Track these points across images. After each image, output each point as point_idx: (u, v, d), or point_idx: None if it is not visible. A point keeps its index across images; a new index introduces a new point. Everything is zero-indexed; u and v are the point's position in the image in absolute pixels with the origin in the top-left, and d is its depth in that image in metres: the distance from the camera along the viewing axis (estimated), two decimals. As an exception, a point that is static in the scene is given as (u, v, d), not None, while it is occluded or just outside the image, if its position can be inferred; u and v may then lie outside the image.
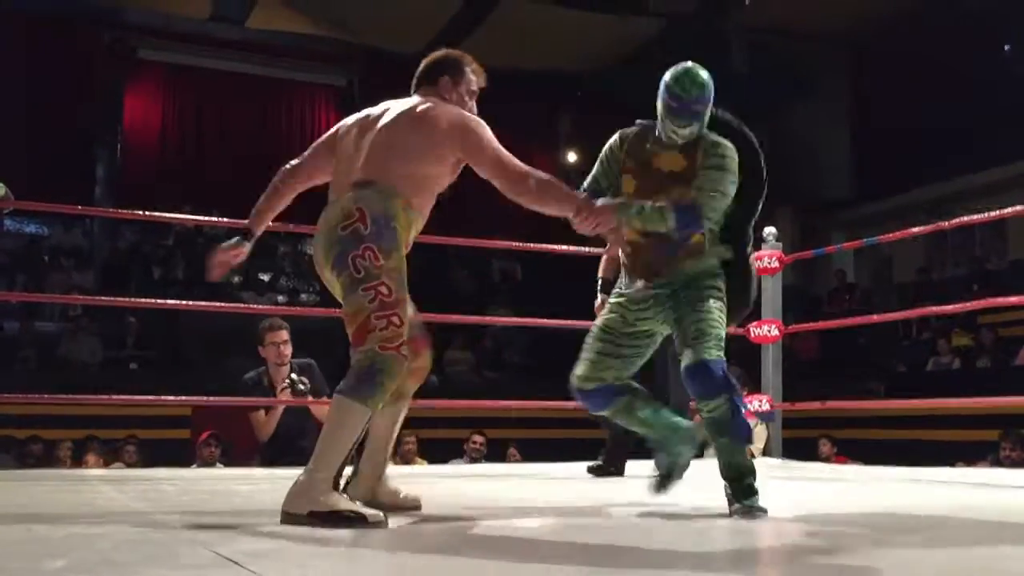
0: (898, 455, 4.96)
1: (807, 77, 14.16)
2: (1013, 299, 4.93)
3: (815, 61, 14.09)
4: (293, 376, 4.51)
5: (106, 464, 6.70)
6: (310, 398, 4.51)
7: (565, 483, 4.03)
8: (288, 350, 4.72)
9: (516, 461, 7.44)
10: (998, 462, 6.31)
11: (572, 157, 16.38)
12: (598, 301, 4.42)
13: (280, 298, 12.91)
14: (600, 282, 4.50)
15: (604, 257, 4.53)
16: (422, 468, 5.86)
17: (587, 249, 4.68)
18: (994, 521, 2.50)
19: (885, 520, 2.55)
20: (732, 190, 2.68)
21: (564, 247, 5.67)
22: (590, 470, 4.23)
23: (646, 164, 2.78)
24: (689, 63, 2.78)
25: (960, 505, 2.86)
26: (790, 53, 13.61)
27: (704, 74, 2.72)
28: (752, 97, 13.82)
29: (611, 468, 4.22)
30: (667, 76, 2.75)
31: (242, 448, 7.56)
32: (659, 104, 2.75)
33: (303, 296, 13.38)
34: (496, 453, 7.45)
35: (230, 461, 6.38)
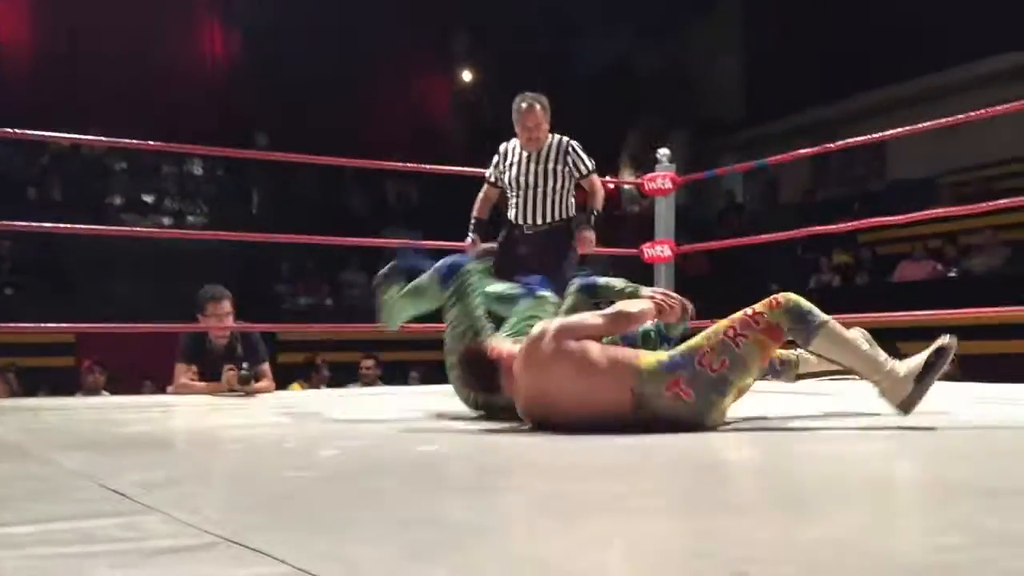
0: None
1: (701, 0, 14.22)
2: (891, 219, 5.14)
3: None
4: (245, 368, 4.27)
5: (-16, 394, 6.43)
6: (253, 384, 4.31)
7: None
8: (230, 321, 4.49)
9: (417, 383, 7.48)
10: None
11: (467, 76, 16.13)
12: (469, 240, 4.42)
13: (165, 220, 12.47)
14: (474, 222, 4.50)
15: (481, 196, 4.52)
16: (318, 392, 5.81)
17: (483, 170, 4.64)
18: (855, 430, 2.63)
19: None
20: None
21: (460, 168, 5.61)
22: None
23: None
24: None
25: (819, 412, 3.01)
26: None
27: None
28: (648, 18, 13.84)
29: None
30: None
31: (129, 376, 7.37)
32: None
33: (190, 218, 12.95)
34: (397, 377, 7.44)
35: (116, 389, 6.20)
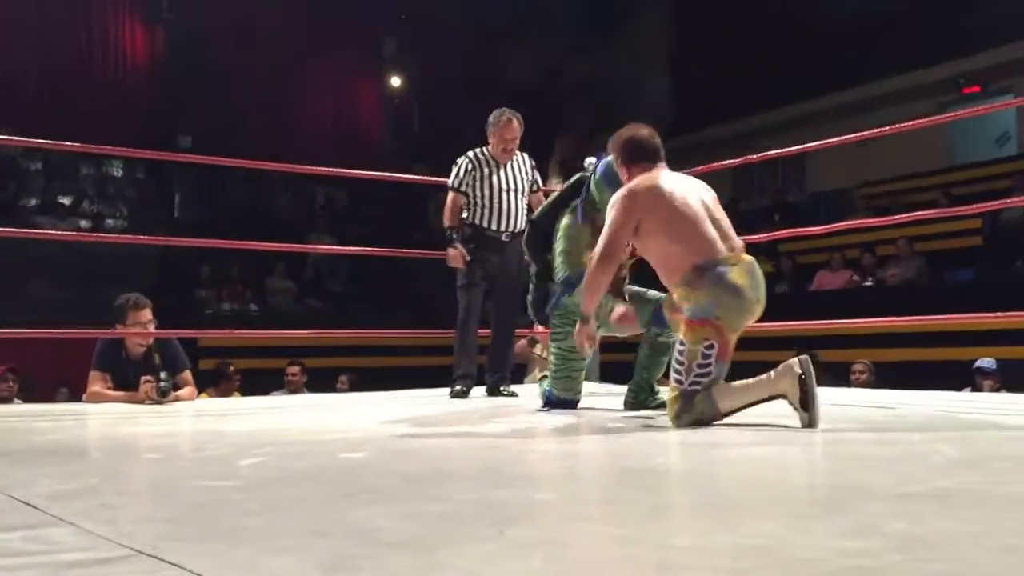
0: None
1: (628, 9, 14.40)
2: (811, 229, 5.29)
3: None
4: (164, 378, 4.15)
5: None
6: (172, 395, 4.19)
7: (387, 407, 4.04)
8: (152, 328, 4.39)
9: (345, 390, 7.37)
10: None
11: (396, 81, 16.06)
12: (455, 250, 4.45)
13: (83, 223, 12.13)
14: (455, 231, 4.55)
15: (450, 205, 4.57)
16: (240, 400, 5.71)
17: (411, 177, 4.63)
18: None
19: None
20: None
21: (388, 174, 5.59)
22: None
23: None
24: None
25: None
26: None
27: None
28: (577, 27, 13.96)
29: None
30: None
31: (43, 383, 7.14)
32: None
33: (109, 221, 12.63)
34: (323, 383, 7.33)
35: (30, 396, 6.01)
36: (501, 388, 4.56)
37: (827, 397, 4.40)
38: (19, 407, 5.03)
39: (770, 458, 2.31)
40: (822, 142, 5.02)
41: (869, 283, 9.28)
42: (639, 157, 3.21)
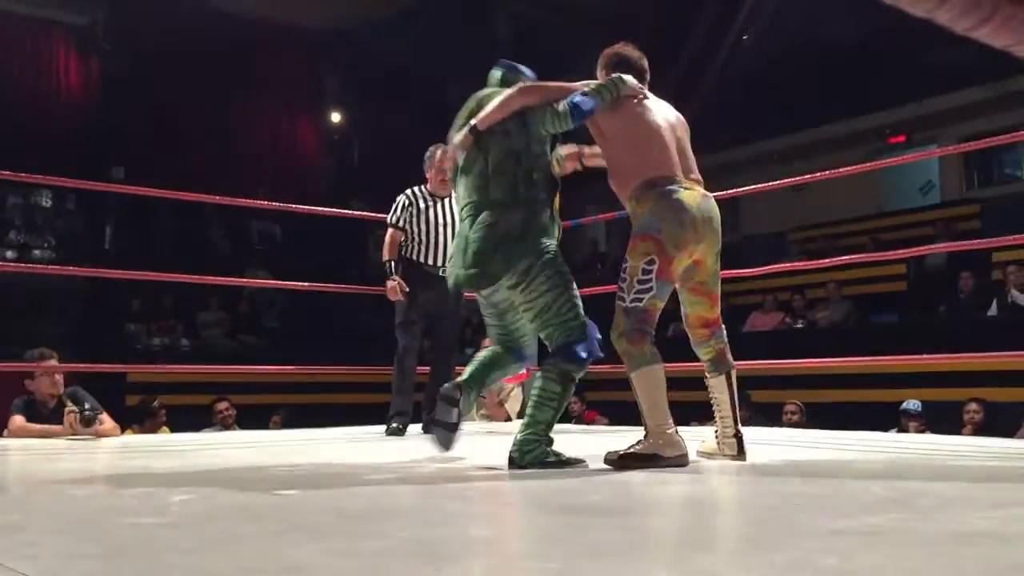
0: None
1: (572, 54, 14.63)
2: (744, 271, 5.40)
3: (580, 37, 14.59)
4: (88, 409, 4.12)
5: None
6: (100, 421, 4.15)
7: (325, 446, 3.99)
8: (61, 377, 4.42)
9: (278, 427, 7.25)
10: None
11: (336, 117, 16.04)
12: (393, 283, 4.45)
13: (9, 253, 11.81)
14: (393, 264, 4.55)
15: (389, 241, 4.57)
16: (170, 436, 5.57)
17: (349, 212, 4.63)
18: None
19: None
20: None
21: (325, 209, 5.56)
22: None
23: None
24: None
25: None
26: (556, 26, 13.96)
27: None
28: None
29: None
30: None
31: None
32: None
33: (36, 252, 12.32)
34: (256, 421, 7.20)
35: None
36: None
37: (759, 437, 4.47)
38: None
39: (704, 495, 2.34)
40: (755, 186, 5.14)
41: (800, 325, 9.47)
42: (624, 72, 3.02)
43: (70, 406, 4.15)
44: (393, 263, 4.58)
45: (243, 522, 1.87)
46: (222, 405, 6.86)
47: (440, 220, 4.63)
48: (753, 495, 2.35)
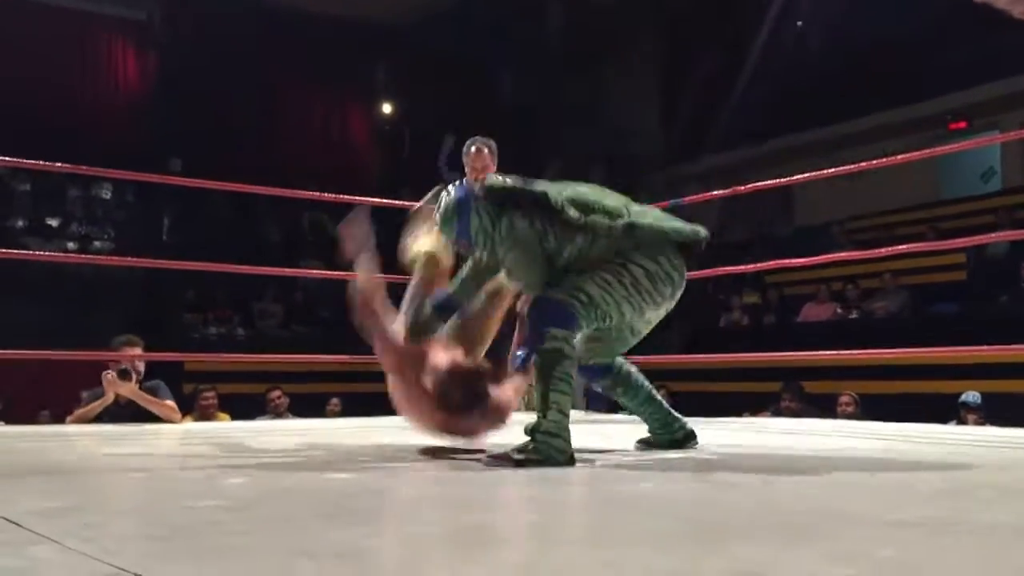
0: (695, 405, 5.26)
1: (623, 36, 14.53)
2: (796, 261, 5.33)
3: (632, 20, 14.48)
4: (123, 366, 4.25)
5: None
6: (133, 378, 4.26)
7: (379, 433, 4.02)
8: (141, 367, 4.50)
9: (337, 413, 7.37)
10: (779, 412, 6.82)
11: (387, 108, 16.14)
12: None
13: (71, 245, 12.10)
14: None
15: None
16: (227, 424, 5.67)
17: (399, 202, 4.66)
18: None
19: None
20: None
21: (378, 199, 5.60)
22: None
23: None
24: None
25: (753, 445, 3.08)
26: (607, 9, 13.87)
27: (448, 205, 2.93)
28: (566, 54, 14.09)
29: None
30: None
31: (25, 405, 7.08)
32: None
33: (97, 243, 12.60)
34: (312, 409, 7.31)
35: (11, 418, 5.95)
36: None
37: (813, 428, 4.41)
38: (2, 428, 4.99)
39: (756, 485, 2.31)
40: (808, 175, 5.06)
41: (854, 315, 9.32)
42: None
43: (108, 371, 4.25)
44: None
45: (295, 505, 1.90)
46: (275, 393, 6.98)
47: None
48: (807, 485, 2.32)
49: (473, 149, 4.63)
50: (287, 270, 8.11)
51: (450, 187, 3.03)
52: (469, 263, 3.07)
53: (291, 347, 10.41)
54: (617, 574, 1.26)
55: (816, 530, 1.69)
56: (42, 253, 8.97)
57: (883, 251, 5.79)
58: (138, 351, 4.50)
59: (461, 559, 1.36)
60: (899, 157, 4.88)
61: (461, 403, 2.73)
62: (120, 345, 4.49)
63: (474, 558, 1.36)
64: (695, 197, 5.71)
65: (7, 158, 4.67)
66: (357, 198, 5.93)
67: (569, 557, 1.42)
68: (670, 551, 1.45)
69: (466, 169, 4.71)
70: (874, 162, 4.77)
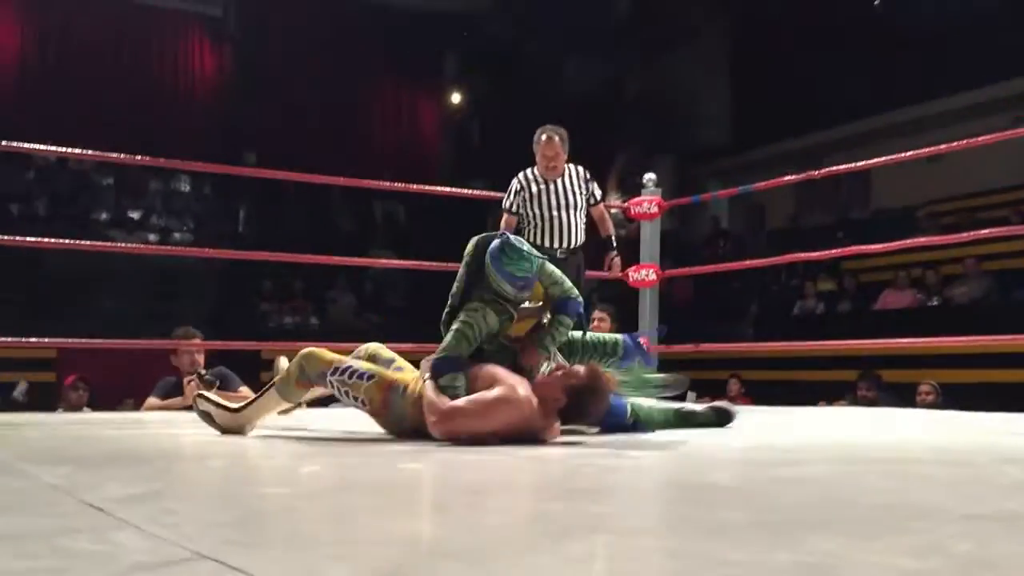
0: (769, 394, 5.18)
1: (689, 23, 14.35)
2: (874, 247, 5.19)
3: (697, 8, 14.29)
4: (207, 374, 4.38)
5: (-37, 409, 6.36)
6: (216, 385, 4.39)
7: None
8: (201, 359, 4.65)
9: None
10: (855, 401, 6.69)
11: (456, 98, 16.20)
12: None
13: (151, 237, 12.45)
14: None
15: (504, 227, 4.65)
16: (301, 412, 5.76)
17: (469, 192, 4.70)
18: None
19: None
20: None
21: (447, 189, 5.64)
22: None
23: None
24: (509, 243, 3.01)
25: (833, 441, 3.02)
26: (674, 2, 13.75)
27: (525, 245, 3.03)
28: (635, 42, 13.96)
29: None
30: (498, 262, 3.00)
31: (111, 393, 7.31)
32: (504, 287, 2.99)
33: (176, 235, 12.94)
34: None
35: (96, 406, 6.16)
36: None
37: (892, 417, 4.31)
38: (88, 415, 5.16)
39: (828, 476, 2.27)
40: (887, 158, 4.93)
41: (935, 302, 9.07)
42: None
43: (193, 376, 4.37)
44: None
45: (367, 494, 1.93)
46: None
47: (554, 202, 4.64)
48: (882, 476, 2.27)
49: (544, 138, 4.63)
50: (358, 260, 8.22)
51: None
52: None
53: (363, 336, 10.55)
54: (688, 566, 1.25)
55: (890, 523, 1.65)
56: (125, 245, 9.25)
57: (966, 236, 5.61)
58: (196, 342, 4.64)
59: (533, 548, 1.37)
60: (981, 138, 4.71)
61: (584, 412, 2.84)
62: (178, 337, 4.63)
63: (546, 547, 1.36)
64: (766, 183, 5.60)
65: (91, 152, 4.82)
66: (427, 187, 5.99)
67: (641, 548, 1.42)
68: (742, 543, 1.43)
69: (536, 157, 4.71)
70: (955, 143, 4.63)
